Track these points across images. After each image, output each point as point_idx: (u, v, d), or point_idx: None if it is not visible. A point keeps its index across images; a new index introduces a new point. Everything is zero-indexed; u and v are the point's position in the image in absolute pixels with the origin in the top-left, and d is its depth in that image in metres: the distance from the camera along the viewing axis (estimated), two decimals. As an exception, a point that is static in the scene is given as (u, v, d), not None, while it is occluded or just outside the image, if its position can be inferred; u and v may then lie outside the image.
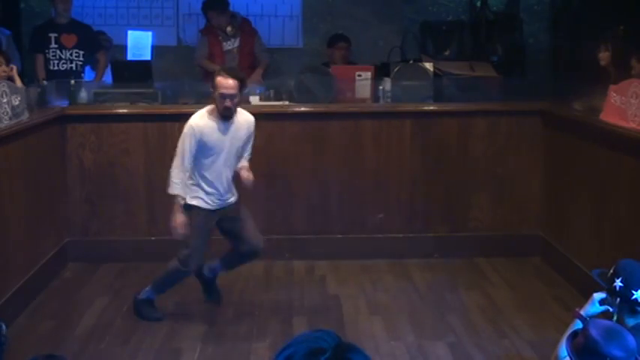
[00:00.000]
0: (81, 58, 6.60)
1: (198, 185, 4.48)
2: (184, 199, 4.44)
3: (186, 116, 5.72)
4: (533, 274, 5.53)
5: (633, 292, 3.02)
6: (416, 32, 7.49)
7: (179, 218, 4.44)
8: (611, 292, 3.07)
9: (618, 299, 3.05)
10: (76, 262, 5.67)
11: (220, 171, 4.48)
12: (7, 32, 6.73)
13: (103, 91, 6.09)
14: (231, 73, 4.40)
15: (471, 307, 4.91)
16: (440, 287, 5.27)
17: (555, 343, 3.22)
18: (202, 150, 4.43)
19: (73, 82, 6.00)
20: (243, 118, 4.55)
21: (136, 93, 5.94)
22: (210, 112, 4.46)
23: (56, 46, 6.56)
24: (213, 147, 4.44)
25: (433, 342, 4.38)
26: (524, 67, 7.56)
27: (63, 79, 6.17)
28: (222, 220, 4.58)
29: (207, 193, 4.48)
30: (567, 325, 3.22)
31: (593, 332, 2.68)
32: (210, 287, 4.85)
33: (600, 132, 4.82)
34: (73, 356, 4.20)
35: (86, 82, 6.45)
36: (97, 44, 6.81)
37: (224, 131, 4.45)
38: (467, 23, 7.74)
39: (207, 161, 4.46)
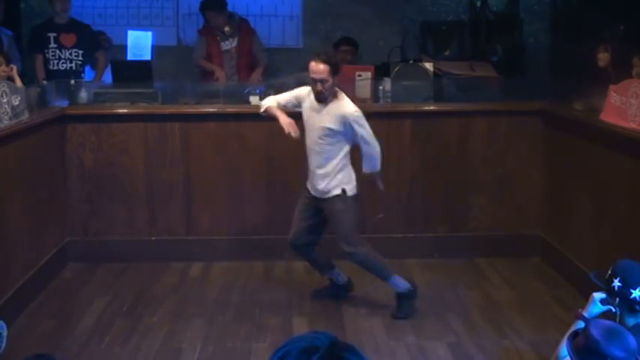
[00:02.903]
0: (80, 58, 6.60)
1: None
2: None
3: (187, 116, 5.78)
4: (533, 274, 5.53)
5: (632, 290, 3.02)
6: (416, 32, 7.49)
7: (284, 119, 4.65)
8: (610, 292, 3.07)
9: (617, 299, 3.05)
10: (76, 262, 5.67)
11: (310, 148, 4.64)
12: (9, 32, 6.73)
13: (103, 91, 6.09)
14: (321, 57, 4.47)
15: (471, 307, 4.91)
16: (440, 287, 5.27)
17: (555, 343, 3.22)
18: (303, 110, 4.67)
19: (72, 82, 5.99)
20: (340, 107, 4.53)
21: (136, 93, 5.94)
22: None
23: (55, 45, 6.55)
24: (306, 119, 4.64)
25: (433, 342, 4.38)
26: (524, 67, 7.56)
27: (62, 78, 6.17)
28: (320, 208, 4.71)
29: (309, 170, 4.69)
30: (567, 325, 3.22)
31: (594, 332, 2.67)
32: (334, 289, 5.02)
33: (600, 132, 4.82)
34: (73, 356, 4.21)
35: (86, 82, 6.45)
36: (96, 44, 6.81)
37: (314, 110, 4.58)
38: (467, 23, 7.75)
39: (305, 134, 4.65)
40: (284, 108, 4.73)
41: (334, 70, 4.47)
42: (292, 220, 4.80)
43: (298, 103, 4.69)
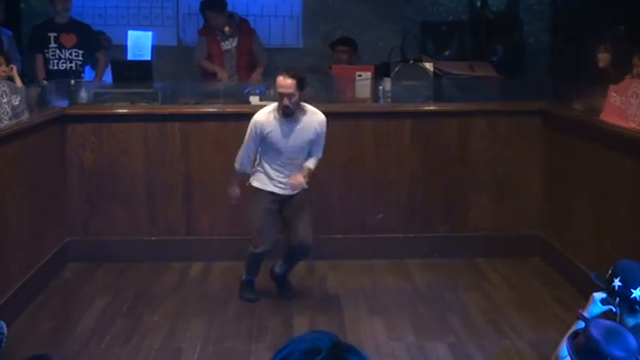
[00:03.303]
0: (80, 58, 6.60)
1: (263, 171, 4.75)
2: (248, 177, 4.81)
3: (187, 116, 5.78)
4: (533, 274, 5.53)
5: (632, 290, 3.03)
6: (416, 32, 7.49)
7: (235, 191, 4.90)
8: (610, 292, 3.08)
9: (618, 299, 3.05)
10: (76, 262, 5.67)
11: (284, 164, 4.72)
12: (9, 33, 6.72)
13: (103, 91, 6.09)
14: (289, 73, 4.56)
15: (471, 307, 4.91)
16: (440, 287, 5.26)
17: (555, 343, 3.22)
18: (264, 144, 4.70)
19: (73, 82, 6.00)
20: (313, 119, 4.71)
21: (136, 93, 5.94)
22: (276, 109, 4.67)
23: (55, 45, 6.55)
24: (274, 143, 4.67)
25: (433, 342, 4.38)
26: (524, 67, 7.56)
27: (62, 78, 6.17)
28: (283, 206, 4.81)
29: (270, 178, 4.74)
30: (567, 325, 3.23)
31: (594, 332, 2.67)
32: (281, 284, 5.10)
33: (600, 132, 4.82)
34: (73, 356, 4.21)
35: (86, 82, 6.45)
36: (96, 44, 6.81)
37: (286, 130, 4.66)
38: (467, 23, 7.75)
39: (271, 153, 4.72)
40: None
41: (301, 86, 4.58)
42: (262, 230, 4.81)
43: (260, 137, 4.70)
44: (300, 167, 4.75)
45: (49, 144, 5.46)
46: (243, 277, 5.07)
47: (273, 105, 4.72)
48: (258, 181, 4.79)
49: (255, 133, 4.68)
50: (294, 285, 5.21)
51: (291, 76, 4.54)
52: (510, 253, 5.76)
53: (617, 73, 5.35)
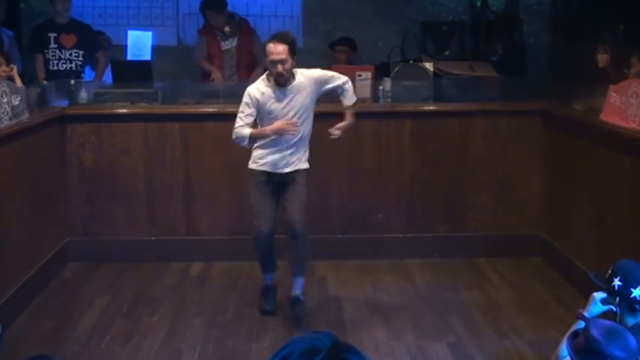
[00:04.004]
0: (80, 58, 6.60)
1: (261, 147, 4.57)
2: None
3: (186, 116, 5.78)
4: (533, 274, 5.53)
5: (632, 290, 3.03)
6: (416, 32, 7.50)
7: (276, 124, 4.48)
8: (610, 291, 3.08)
9: (617, 298, 3.05)
10: (76, 262, 5.67)
11: (281, 135, 4.51)
12: (10, 33, 6.72)
13: (103, 91, 6.09)
14: (279, 38, 4.42)
15: (471, 307, 4.91)
16: (440, 287, 5.27)
17: (555, 343, 3.22)
18: (262, 115, 4.54)
19: (73, 82, 5.99)
20: (304, 77, 4.54)
21: (136, 93, 5.94)
22: (268, 79, 4.52)
23: (56, 45, 6.55)
24: (271, 112, 4.52)
25: (433, 342, 4.38)
26: (525, 67, 7.56)
27: (63, 79, 6.17)
28: (280, 188, 4.62)
29: (270, 153, 4.55)
30: (567, 325, 3.22)
31: (594, 332, 2.67)
32: (294, 304, 4.70)
33: (600, 132, 4.82)
34: (73, 356, 4.21)
35: (86, 82, 6.45)
36: (96, 44, 6.81)
37: (281, 98, 4.50)
38: (467, 23, 7.75)
39: (267, 124, 4.54)
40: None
41: (293, 50, 4.43)
42: (259, 210, 4.58)
43: (256, 108, 4.54)
44: (303, 140, 4.57)
45: (49, 144, 5.46)
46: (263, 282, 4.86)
47: (265, 74, 4.57)
48: (253, 162, 4.61)
49: (251, 99, 4.50)
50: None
51: (282, 42, 4.38)
52: (510, 253, 5.76)
53: (617, 73, 5.35)
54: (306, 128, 4.59)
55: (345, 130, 4.71)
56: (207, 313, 4.81)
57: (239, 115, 4.56)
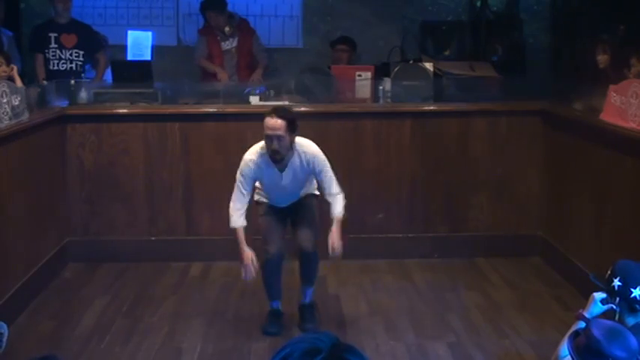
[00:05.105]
0: (81, 58, 6.60)
1: (263, 195, 4.51)
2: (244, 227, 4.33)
3: (186, 116, 5.78)
4: (533, 274, 5.53)
5: (632, 289, 3.03)
6: (416, 32, 7.49)
7: (245, 252, 4.31)
8: (610, 291, 3.08)
9: (617, 298, 3.05)
10: (76, 262, 5.67)
11: (284, 198, 4.44)
12: (10, 33, 6.73)
13: (103, 91, 6.09)
14: (278, 113, 4.14)
15: (471, 307, 4.91)
16: (440, 287, 5.27)
17: (555, 343, 3.22)
18: (261, 181, 4.40)
19: (73, 82, 6.00)
20: (304, 157, 4.28)
21: (136, 93, 5.94)
22: (265, 149, 4.26)
23: (56, 45, 6.55)
24: (269, 182, 4.37)
25: (433, 342, 4.38)
26: (524, 67, 7.56)
27: (63, 79, 6.17)
28: (289, 212, 4.49)
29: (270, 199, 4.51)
30: (567, 325, 3.22)
31: (595, 332, 2.67)
32: (303, 312, 4.62)
33: (600, 132, 4.82)
34: (73, 356, 4.20)
35: (86, 82, 6.45)
36: (97, 44, 6.81)
37: (278, 172, 4.29)
38: (467, 23, 7.74)
39: (267, 189, 4.45)
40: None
41: (292, 127, 4.14)
42: (267, 233, 4.42)
43: (253, 180, 4.35)
44: (298, 196, 4.44)
45: (49, 144, 5.46)
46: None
47: (262, 143, 4.26)
48: (260, 195, 4.53)
49: (248, 174, 4.28)
50: (295, 285, 5.19)
51: (281, 117, 4.10)
52: (510, 253, 5.76)
53: (617, 73, 5.35)
54: (305, 188, 4.48)
55: (339, 248, 4.31)
56: (207, 313, 4.81)
57: (237, 187, 4.31)
